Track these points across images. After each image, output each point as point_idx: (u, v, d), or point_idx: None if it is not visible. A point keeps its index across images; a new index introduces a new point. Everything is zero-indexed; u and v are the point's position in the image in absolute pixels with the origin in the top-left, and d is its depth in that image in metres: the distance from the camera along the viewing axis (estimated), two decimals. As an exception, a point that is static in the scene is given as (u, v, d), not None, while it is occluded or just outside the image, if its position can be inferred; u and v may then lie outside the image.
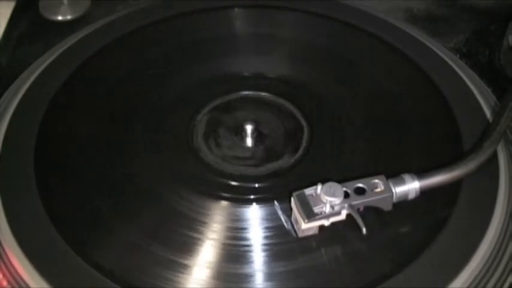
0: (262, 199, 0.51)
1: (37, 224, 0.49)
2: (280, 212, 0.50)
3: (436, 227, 0.49)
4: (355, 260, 0.48)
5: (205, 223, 0.50)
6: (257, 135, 0.57)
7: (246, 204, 0.51)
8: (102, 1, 0.72)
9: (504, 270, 0.48)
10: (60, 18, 0.71)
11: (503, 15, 0.69)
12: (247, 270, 0.47)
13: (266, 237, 0.49)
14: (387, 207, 0.49)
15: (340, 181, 0.48)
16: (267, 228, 0.50)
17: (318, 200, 0.48)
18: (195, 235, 0.49)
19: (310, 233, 0.48)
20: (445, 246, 0.48)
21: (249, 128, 0.57)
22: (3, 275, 0.48)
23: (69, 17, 0.71)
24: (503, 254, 0.49)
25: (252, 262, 0.48)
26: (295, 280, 0.47)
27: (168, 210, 0.51)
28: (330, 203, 0.47)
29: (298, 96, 0.60)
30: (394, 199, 0.49)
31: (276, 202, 0.51)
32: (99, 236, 0.50)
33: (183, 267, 0.48)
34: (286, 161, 0.55)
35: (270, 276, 0.47)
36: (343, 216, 0.48)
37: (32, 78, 0.60)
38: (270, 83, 0.61)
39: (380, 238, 0.49)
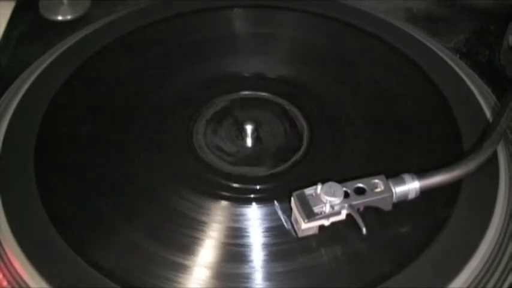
0: (262, 199, 0.51)
1: (37, 224, 0.49)
2: (280, 212, 0.50)
3: (436, 227, 0.49)
4: (355, 260, 0.48)
5: (205, 223, 0.50)
6: (257, 135, 0.57)
7: (246, 204, 0.51)
8: (102, 1, 0.72)
9: (504, 270, 0.48)
10: (60, 18, 0.71)
11: (503, 15, 0.69)
12: (247, 270, 0.47)
13: (266, 237, 0.49)
14: (387, 207, 0.49)
15: (340, 181, 0.48)
16: (267, 228, 0.50)
17: (317, 200, 0.48)
18: (195, 235, 0.49)
19: (310, 233, 0.48)
20: (445, 246, 0.48)
21: (249, 128, 0.57)
22: (3, 275, 0.48)
23: (69, 17, 0.71)
24: (503, 254, 0.49)
25: (252, 262, 0.48)
26: (295, 280, 0.47)
27: (168, 210, 0.51)
28: (330, 203, 0.47)
29: (298, 96, 0.60)
30: (394, 199, 0.49)
31: (276, 202, 0.51)
32: (99, 236, 0.50)
33: (183, 267, 0.48)
34: (286, 161, 0.55)
35: (270, 276, 0.47)
36: (343, 216, 0.48)
37: (32, 78, 0.60)
38: (270, 83, 0.61)
39: (380, 238, 0.49)
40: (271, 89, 0.61)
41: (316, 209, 0.47)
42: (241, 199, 0.52)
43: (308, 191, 0.48)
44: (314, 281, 0.47)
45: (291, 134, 0.57)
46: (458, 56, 0.65)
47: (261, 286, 0.47)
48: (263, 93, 0.60)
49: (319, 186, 0.48)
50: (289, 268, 0.47)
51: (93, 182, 0.53)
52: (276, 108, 0.59)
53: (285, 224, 0.50)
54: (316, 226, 0.48)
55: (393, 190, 0.48)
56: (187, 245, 0.49)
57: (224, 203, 0.51)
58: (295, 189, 0.48)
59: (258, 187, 0.53)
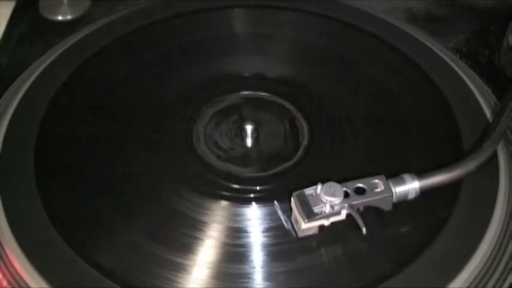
0: (262, 199, 0.51)
1: (37, 224, 0.49)
2: (280, 212, 0.50)
3: (436, 227, 0.49)
4: (355, 260, 0.48)
5: (205, 223, 0.50)
6: (257, 135, 0.57)
7: (246, 204, 0.51)
8: (102, 1, 0.72)
9: (504, 270, 0.48)
10: (60, 18, 0.71)
11: (503, 15, 0.69)
12: (247, 270, 0.47)
13: (266, 237, 0.49)
14: (387, 207, 0.49)
15: (340, 181, 0.48)
16: (267, 228, 0.50)
17: (317, 200, 0.48)
18: (195, 235, 0.49)
19: (310, 232, 0.48)
20: (445, 246, 0.48)
21: (249, 128, 0.57)
22: (3, 275, 0.48)
23: (69, 17, 0.71)
24: (503, 254, 0.49)
25: (251, 262, 0.48)
26: (295, 280, 0.47)
27: (168, 210, 0.51)
28: (330, 202, 0.47)
29: (298, 96, 0.60)
30: (394, 199, 0.49)
31: (276, 202, 0.51)
32: (99, 236, 0.50)
33: (183, 267, 0.48)
34: (286, 161, 0.55)
35: (270, 276, 0.47)
36: (343, 216, 0.48)
37: (32, 78, 0.60)
38: (270, 83, 0.61)
39: (380, 238, 0.49)
40: (271, 89, 0.61)
41: (316, 209, 0.47)
42: (241, 199, 0.52)
43: (308, 191, 0.48)
44: (314, 281, 0.47)
45: (291, 134, 0.57)
46: (458, 56, 0.65)
47: (261, 286, 0.47)
48: (263, 93, 0.60)
49: (319, 186, 0.48)
50: (289, 268, 0.47)
51: (93, 182, 0.53)
52: (276, 108, 0.59)
53: (285, 224, 0.50)
54: (316, 226, 0.48)
55: (393, 190, 0.48)
56: (187, 245, 0.49)
57: (224, 203, 0.51)
58: (295, 189, 0.48)
59: (258, 187, 0.53)
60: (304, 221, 0.47)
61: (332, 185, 0.48)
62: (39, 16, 0.71)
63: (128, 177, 0.54)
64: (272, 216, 0.50)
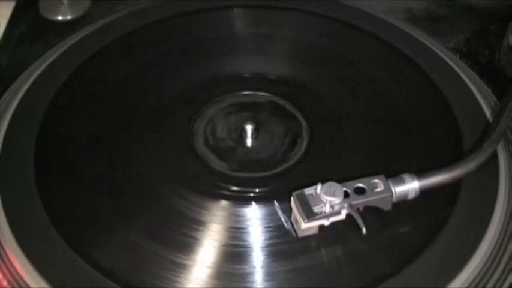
0: (262, 199, 0.51)
1: (37, 224, 0.49)
2: (280, 212, 0.50)
3: (436, 227, 0.49)
4: (355, 260, 0.48)
5: (205, 223, 0.50)
6: (257, 135, 0.57)
7: (246, 204, 0.51)
8: (102, 1, 0.72)
9: (504, 270, 0.48)
10: (60, 18, 0.71)
11: (503, 15, 0.69)
12: (247, 270, 0.47)
13: (266, 237, 0.49)
14: (387, 207, 0.49)
15: (340, 181, 0.48)
16: (266, 228, 0.50)
17: (317, 199, 0.48)
18: (195, 235, 0.49)
19: (310, 232, 0.48)
20: (445, 246, 0.48)
21: (248, 128, 0.57)
22: (3, 275, 0.48)
23: (69, 17, 0.71)
24: (503, 254, 0.49)
25: (251, 262, 0.48)
26: (295, 280, 0.47)
27: (168, 210, 0.51)
28: (330, 202, 0.47)
29: (298, 96, 0.60)
30: (394, 199, 0.49)
31: (275, 202, 0.51)
32: (99, 236, 0.50)
33: (183, 267, 0.48)
34: (286, 161, 0.55)
35: (269, 276, 0.47)
36: (343, 216, 0.48)
37: (32, 78, 0.60)
38: (270, 83, 0.61)
39: (380, 238, 0.49)
40: (271, 89, 0.61)
41: (316, 209, 0.47)
42: (241, 199, 0.52)
43: (308, 191, 0.48)
44: (314, 281, 0.47)
45: (290, 134, 0.57)
46: (458, 56, 0.65)
47: (261, 286, 0.47)
48: (263, 93, 0.60)
49: (319, 186, 0.48)
50: (289, 268, 0.47)
51: (93, 182, 0.53)
52: (276, 108, 0.59)
53: (285, 224, 0.50)
54: (316, 226, 0.48)
55: (393, 190, 0.48)
56: (187, 245, 0.49)
57: (224, 203, 0.51)
58: (295, 189, 0.48)
59: (258, 187, 0.53)
60: (304, 221, 0.47)
61: (332, 185, 0.48)
62: (39, 16, 0.71)
63: (127, 177, 0.54)
64: (272, 216, 0.50)
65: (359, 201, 0.48)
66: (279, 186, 0.52)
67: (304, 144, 0.56)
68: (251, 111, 0.59)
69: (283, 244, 0.49)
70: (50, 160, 0.54)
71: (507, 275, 0.48)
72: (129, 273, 0.47)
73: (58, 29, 0.70)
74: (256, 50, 0.65)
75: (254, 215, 0.51)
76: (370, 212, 0.48)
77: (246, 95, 0.61)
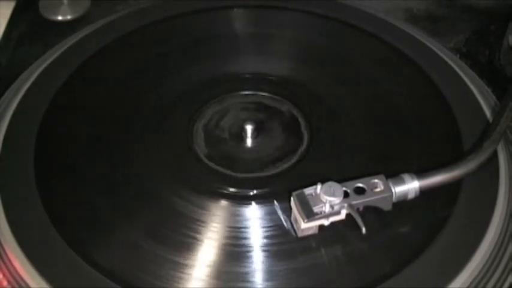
0: (262, 199, 0.51)
1: (37, 224, 0.49)
2: (279, 212, 0.50)
3: (436, 227, 0.49)
4: (355, 260, 0.48)
5: (205, 223, 0.50)
6: (257, 135, 0.57)
7: (246, 203, 0.51)
8: (102, 1, 0.72)
9: (504, 270, 0.48)
10: (60, 18, 0.71)
11: (503, 15, 0.69)
12: (247, 269, 0.47)
13: (266, 237, 0.49)
14: (387, 207, 0.49)
15: (340, 181, 0.48)
16: (266, 227, 0.50)
17: (317, 199, 0.48)
18: (195, 235, 0.49)
19: (310, 232, 0.48)
20: (445, 246, 0.48)
21: (248, 128, 0.57)
22: (3, 275, 0.48)
23: (69, 17, 0.71)
24: (503, 254, 0.48)
25: (251, 262, 0.48)
26: (294, 280, 0.47)
27: (167, 210, 0.51)
28: (330, 202, 0.47)
29: (298, 96, 0.60)
30: (394, 199, 0.49)
31: (275, 202, 0.51)
32: (99, 236, 0.50)
33: (183, 267, 0.48)
34: (286, 161, 0.55)
35: (269, 276, 0.47)
36: (342, 215, 0.48)
37: (32, 78, 0.60)
38: (270, 83, 0.61)
39: (380, 238, 0.49)
40: (271, 89, 0.61)
41: (315, 209, 0.47)
42: (241, 199, 0.52)
43: (308, 190, 0.48)
44: (314, 280, 0.47)
45: (291, 134, 0.57)
46: (458, 56, 0.65)
47: (261, 286, 0.47)
48: (263, 93, 0.60)
49: (319, 186, 0.48)
50: (289, 268, 0.47)
51: (93, 182, 0.53)
52: (275, 109, 0.59)
53: (284, 223, 0.50)
54: (316, 226, 0.48)
55: (393, 190, 0.48)
56: (187, 244, 0.49)
57: (224, 202, 0.51)
58: (295, 189, 0.48)
59: (257, 187, 0.53)
60: (303, 220, 0.47)
61: (332, 185, 0.48)
62: (39, 16, 0.71)
63: (127, 177, 0.54)
64: (272, 216, 0.50)
65: (359, 201, 0.48)
66: (279, 186, 0.52)
67: (304, 144, 0.56)
68: (251, 111, 0.59)
69: (283, 244, 0.49)
70: (50, 160, 0.54)
71: (507, 275, 0.48)
72: (129, 273, 0.47)
73: (58, 29, 0.70)
74: (256, 50, 0.65)
75: (254, 215, 0.51)
76: (370, 212, 0.48)
77: (246, 95, 0.61)
